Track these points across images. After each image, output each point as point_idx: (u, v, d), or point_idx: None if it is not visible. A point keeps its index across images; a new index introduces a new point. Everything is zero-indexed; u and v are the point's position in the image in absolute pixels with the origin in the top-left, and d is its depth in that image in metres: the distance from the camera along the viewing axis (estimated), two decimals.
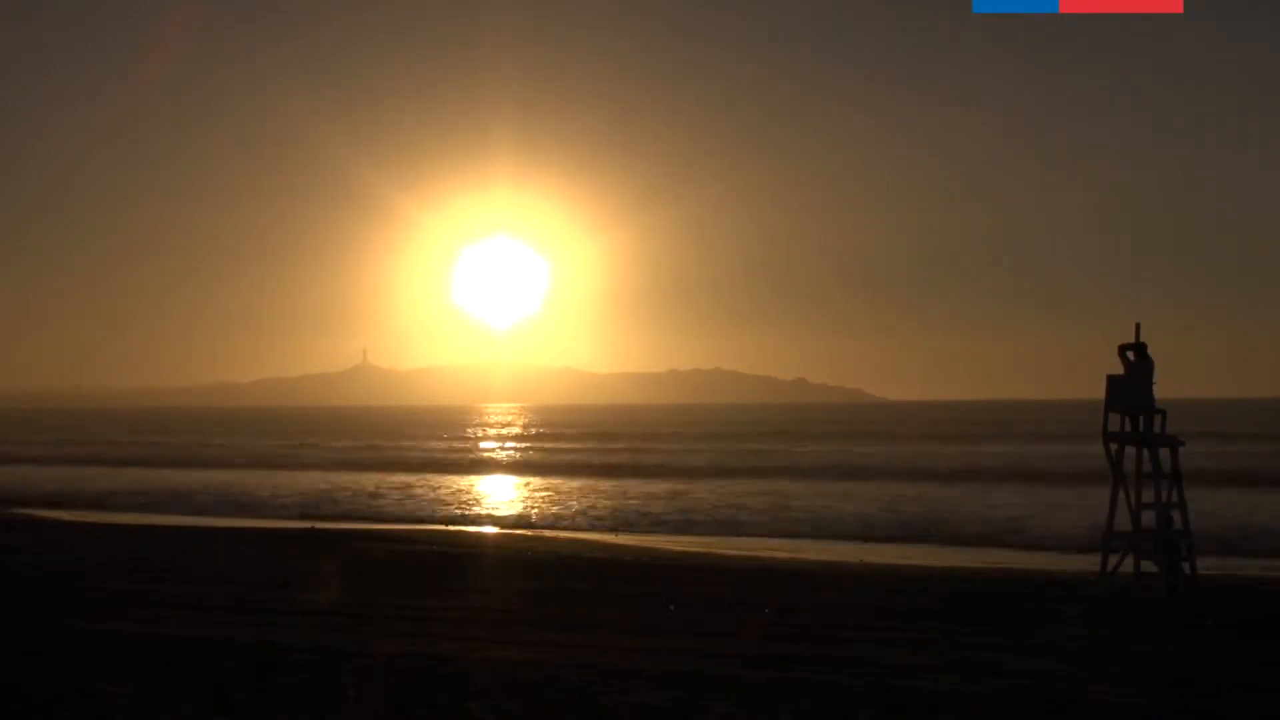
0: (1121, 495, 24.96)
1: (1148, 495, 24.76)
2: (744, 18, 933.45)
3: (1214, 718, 12.91)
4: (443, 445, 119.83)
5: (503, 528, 47.34)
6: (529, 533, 44.39)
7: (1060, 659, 16.47)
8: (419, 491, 63.70)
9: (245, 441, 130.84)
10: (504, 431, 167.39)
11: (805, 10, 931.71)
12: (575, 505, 55.24)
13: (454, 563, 31.48)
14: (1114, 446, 24.84)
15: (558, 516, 50.94)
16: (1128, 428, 24.77)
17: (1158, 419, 24.71)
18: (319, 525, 44.52)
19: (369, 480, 71.36)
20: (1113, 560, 24.66)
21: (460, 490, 65.48)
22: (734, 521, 47.28)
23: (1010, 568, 32.30)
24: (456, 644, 17.10)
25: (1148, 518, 24.69)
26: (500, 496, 62.09)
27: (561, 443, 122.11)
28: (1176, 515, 24.65)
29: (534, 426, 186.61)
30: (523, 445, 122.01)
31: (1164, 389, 24.71)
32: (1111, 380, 24.62)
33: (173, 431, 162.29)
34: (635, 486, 64.88)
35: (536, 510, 53.87)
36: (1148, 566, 24.46)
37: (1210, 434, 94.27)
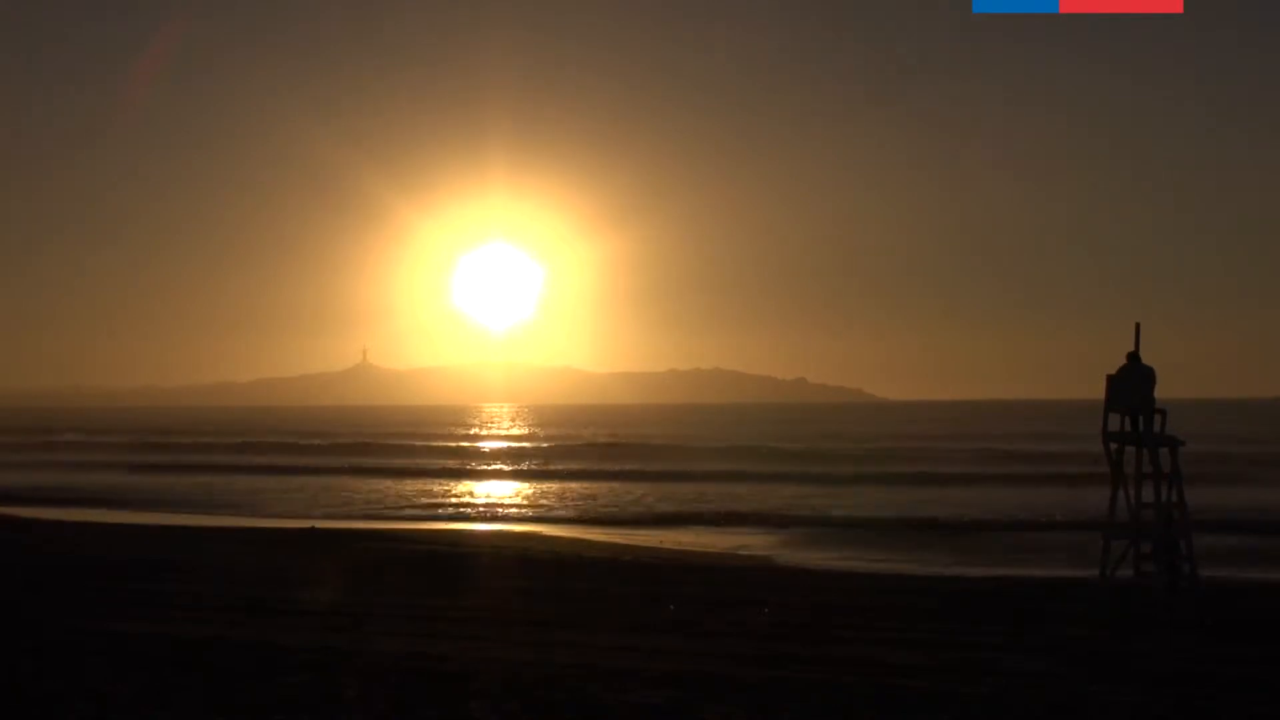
0: (1121, 495, 25.00)
1: (1147, 495, 24.80)
2: (738, 19, 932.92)
3: (1214, 718, 12.91)
4: (443, 448, 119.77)
5: (503, 528, 47.33)
6: (529, 533, 44.38)
7: (1060, 659, 16.47)
8: (420, 492, 63.71)
9: None
10: (502, 432, 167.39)
11: (800, 10, 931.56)
12: (575, 504, 55.27)
13: (454, 563, 31.47)
14: (1114, 446, 24.87)
15: (558, 516, 50.96)
16: (1128, 428, 24.80)
17: (1158, 419, 24.74)
18: (319, 525, 44.51)
19: (371, 483, 71.38)
20: (1113, 560, 24.69)
21: (460, 491, 65.50)
22: (735, 520, 47.29)
23: (1010, 568, 32.30)
24: (456, 644, 17.09)
25: (1147, 518, 24.73)
26: (499, 497, 62.09)
27: (560, 444, 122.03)
28: (1176, 515, 24.68)
29: (532, 426, 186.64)
30: (521, 445, 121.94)
31: (1164, 389, 24.74)
32: (1111, 380, 24.65)
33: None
34: (635, 487, 64.90)
35: (536, 510, 53.90)
36: (1147, 566, 24.49)
37: (1210, 434, 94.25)
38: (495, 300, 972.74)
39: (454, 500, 59.50)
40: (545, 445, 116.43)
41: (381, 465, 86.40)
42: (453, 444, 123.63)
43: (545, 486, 66.98)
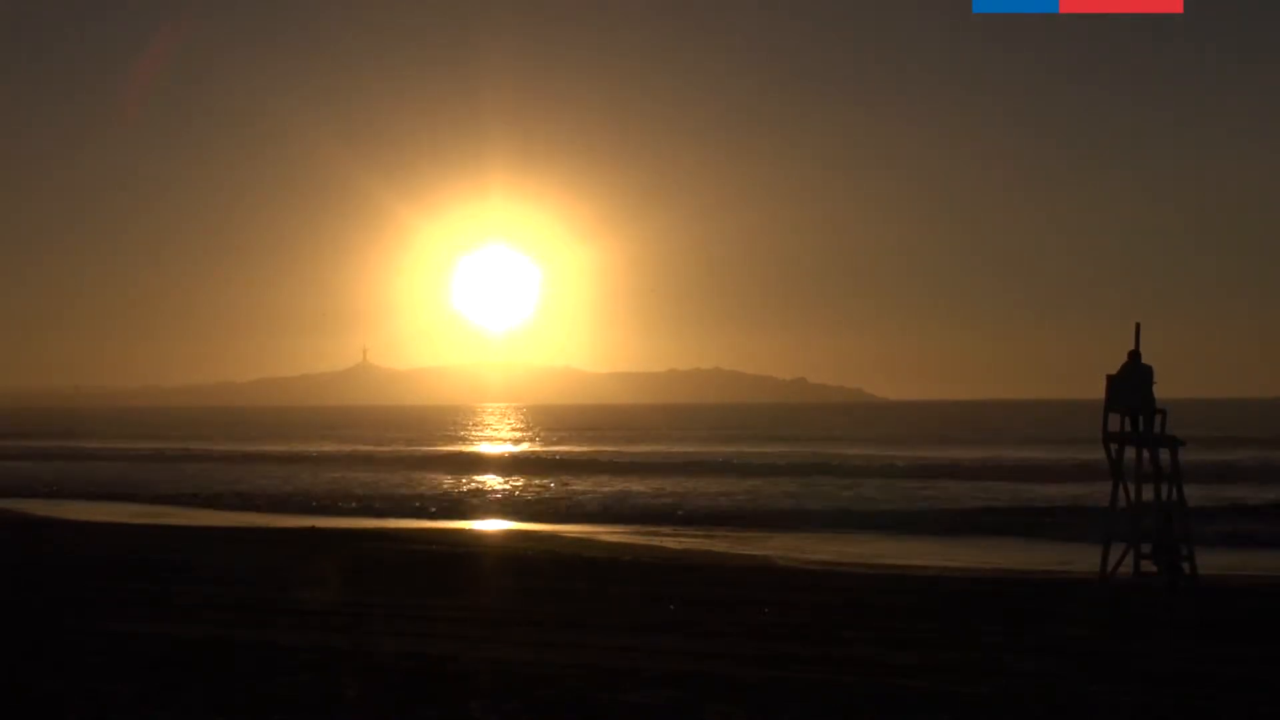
0: (1121, 495, 25.00)
1: (1147, 495, 24.80)
2: (737, 20, 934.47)
3: (1214, 718, 12.91)
4: (443, 446, 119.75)
5: (503, 527, 47.33)
6: (529, 532, 44.39)
7: (1060, 659, 16.46)
8: (418, 491, 63.71)
9: None
10: (501, 433, 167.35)
11: (799, 9, 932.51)
12: (575, 505, 55.26)
13: (454, 563, 31.46)
14: (1114, 446, 24.87)
15: (558, 516, 50.96)
16: (1128, 428, 24.80)
17: (1158, 419, 24.74)
18: (319, 525, 44.51)
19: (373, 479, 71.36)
20: (1113, 560, 24.69)
21: (459, 490, 65.47)
22: (734, 517, 47.30)
23: (1010, 568, 32.31)
24: (456, 644, 17.08)
25: (1147, 518, 24.72)
26: (499, 496, 62.06)
27: (560, 444, 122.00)
28: (1176, 515, 24.68)
29: (532, 427, 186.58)
30: (521, 445, 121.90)
31: (1164, 389, 24.75)
32: (1111, 380, 24.65)
33: None
34: (634, 487, 64.90)
35: (536, 510, 53.88)
36: (1148, 566, 24.49)
37: (1209, 434, 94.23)
38: (494, 301, 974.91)
39: (454, 500, 59.46)
40: (545, 445, 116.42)
41: (382, 464, 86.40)
42: (452, 445, 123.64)
43: (545, 487, 66.93)
